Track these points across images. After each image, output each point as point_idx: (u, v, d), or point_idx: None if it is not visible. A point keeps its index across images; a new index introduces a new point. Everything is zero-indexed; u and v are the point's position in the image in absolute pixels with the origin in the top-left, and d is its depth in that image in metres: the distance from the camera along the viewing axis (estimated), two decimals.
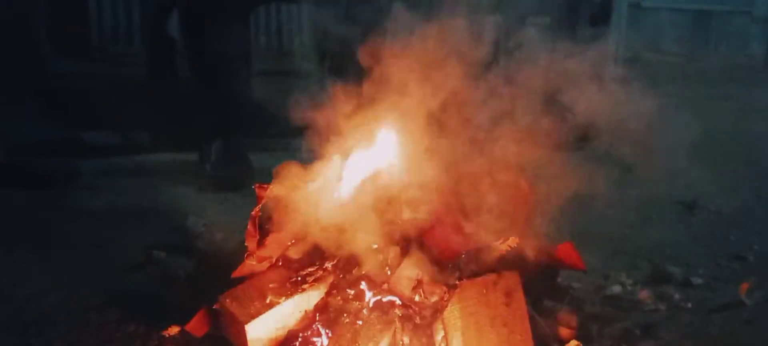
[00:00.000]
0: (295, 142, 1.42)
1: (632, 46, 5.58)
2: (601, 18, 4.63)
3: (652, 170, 2.68)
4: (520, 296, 1.20)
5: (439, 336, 1.14)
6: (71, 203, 2.04)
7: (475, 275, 1.20)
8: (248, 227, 1.22)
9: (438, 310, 1.16)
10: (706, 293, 1.57)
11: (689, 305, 1.51)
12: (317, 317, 1.20)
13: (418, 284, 1.21)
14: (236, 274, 1.23)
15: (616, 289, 1.55)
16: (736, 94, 5.02)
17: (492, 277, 1.18)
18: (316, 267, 1.21)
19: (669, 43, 6.19)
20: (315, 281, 1.20)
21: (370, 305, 1.19)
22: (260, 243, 1.22)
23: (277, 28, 4.88)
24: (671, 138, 3.28)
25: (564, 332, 1.29)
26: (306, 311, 1.19)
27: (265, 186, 1.27)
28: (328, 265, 1.21)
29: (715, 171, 2.65)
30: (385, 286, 1.20)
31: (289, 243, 1.23)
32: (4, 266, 1.59)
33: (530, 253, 1.36)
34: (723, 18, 6.01)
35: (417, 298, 1.19)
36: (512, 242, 1.32)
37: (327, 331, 1.18)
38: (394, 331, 1.16)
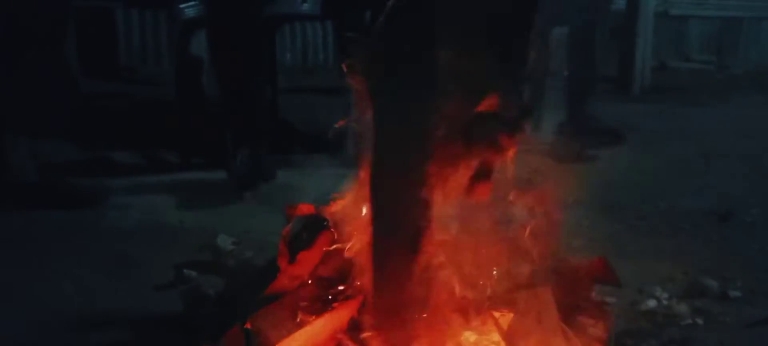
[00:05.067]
0: (319, 157, 1.42)
1: (659, 55, 5.52)
2: (625, 30, 4.58)
3: (684, 180, 2.65)
4: (553, 313, 1.18)
5: None
6: (101, 222, 2.06)
7: (506, 291, 1.18)
8: (280, 246, 1.22)
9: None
10: (745, 307, 1.53)
11: (727, 318, 1.47)
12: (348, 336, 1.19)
13: (451, 301, 1.20)
14: (267, 292, 1.23)
15: (652, 303, 1.52)
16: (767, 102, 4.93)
17: (524, 293, 1.16)
18: (347, 285, 1.21)
19: (697, 50, 6.12)
20: (346, 299, 1.20)
21: None
22: (291, 261, 1.22)
23: (303, 45, 4.92)
24: (701, 147, 3.23)
25: None
26: (337, 329, 1.19)
27: (295, 206, 1.27)
28: (359, 282, 1.21)
29: (748, 181, 2.60)
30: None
31: (320, 261, 1.23)
32: (38, 285, 1.62)
33: (562, 268, 1.34)
34: (752, 25, 5.91)
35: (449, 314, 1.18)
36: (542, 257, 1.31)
37: None
38: None
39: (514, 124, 0.94)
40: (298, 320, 1.17)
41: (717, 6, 5.70)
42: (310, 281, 1.23)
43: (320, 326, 1.18)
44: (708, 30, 6.09)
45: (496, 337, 1.13)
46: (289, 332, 1.16)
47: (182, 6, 2.58)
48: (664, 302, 1.53)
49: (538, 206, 1.37)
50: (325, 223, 1.23)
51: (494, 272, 1.20)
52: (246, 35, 2.34)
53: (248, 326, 1.21)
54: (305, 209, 1.29)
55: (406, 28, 0.91)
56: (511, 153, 0.97)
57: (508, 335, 1.10)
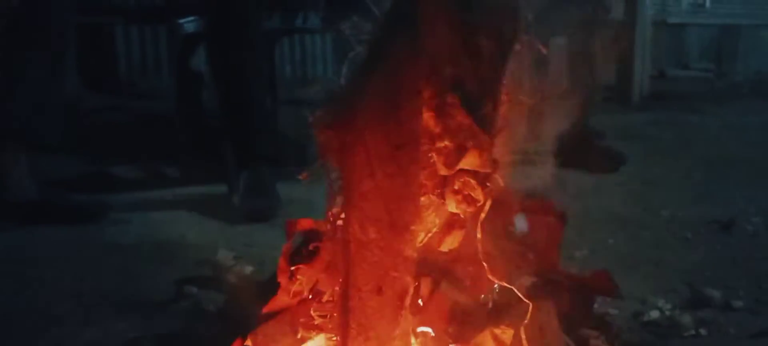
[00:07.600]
0: (319, 170, 1.41)
1: (658, 63, 5.52)
2: (623, 38, 4.59)
3: (685, 189, 2.64)
4: (555, 326, 1.17)
5: None
6: (102, 238, 2.05)
7: (508, 305, 1.17)
8: (280, 262, 1.22)
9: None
10: (748, 317, 1.53)
11: (731, 329, 1.46)
12: None
13: (451, 316, 1.19)
14: (267, 309, 1.22)
15: (655, 314, 1.51)
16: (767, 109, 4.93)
17: (525, 306, 1.15)
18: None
19: (696, 58, 6.13)
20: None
21: None
22: (291, 278, 1.21)
23: (302, 57, 4.93)
24: (702, 155, 3.23)
25: None
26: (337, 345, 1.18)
27: (295, 221, 1.27)
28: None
29: (750, 189, 2.60)
30: (417, 317, 1.18)
31: (320, 276, 1.22)
32: (41, 302, 1.61)
33: (564, 281, 1.33)
34: (750, 32, 5.92)
35: (449, 329, 1.17)
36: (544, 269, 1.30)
37: None
38: None
39: (488, 178, 0.95)
40: (299, 336, 1.16)
41: (715, 14, 5.70)
42: (310, 296, 1.22)
43: (320, 342, 1.17)
44: (707, 37, 6.10)
45: None
46: None
47: (182, 21, 2.59)
48: (667, 313, 1.52)
49: (539, 217, 1.37)
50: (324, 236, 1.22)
51: (495, 286, 1.19)
52: (246, 50, 2.35)
53: (249, 342, 1.20)
54: (305, 224, 1.28)
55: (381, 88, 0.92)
56: (485, 207, 0.98)
57: None
